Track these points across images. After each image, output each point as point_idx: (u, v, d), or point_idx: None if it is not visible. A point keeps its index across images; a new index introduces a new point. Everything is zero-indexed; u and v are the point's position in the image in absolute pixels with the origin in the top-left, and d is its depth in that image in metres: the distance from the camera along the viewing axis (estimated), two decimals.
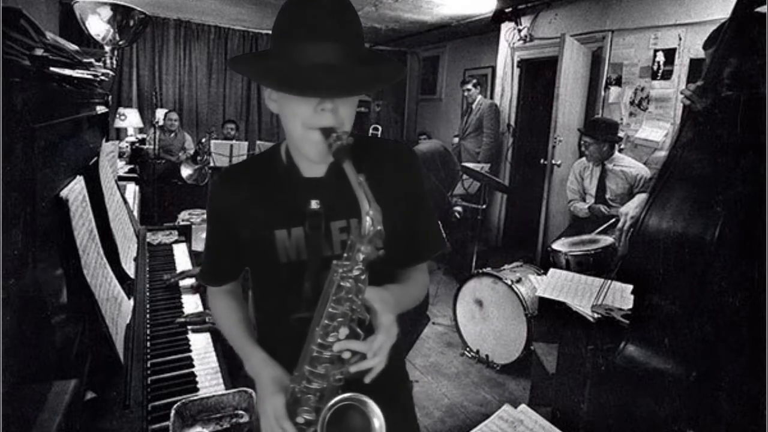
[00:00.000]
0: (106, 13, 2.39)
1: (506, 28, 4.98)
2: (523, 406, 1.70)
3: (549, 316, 2.72)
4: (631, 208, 2.27)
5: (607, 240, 2.61)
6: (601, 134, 3.20)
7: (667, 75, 3.55)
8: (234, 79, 6.99)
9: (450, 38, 6.64)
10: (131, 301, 1.44)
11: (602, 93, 4.03)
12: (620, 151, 3.48)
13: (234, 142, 5.31)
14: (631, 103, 3.81)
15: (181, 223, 2.78)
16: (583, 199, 3.42)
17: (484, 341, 3.11)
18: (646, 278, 1.46)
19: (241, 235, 0.95)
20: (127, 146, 5.42)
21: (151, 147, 5.15)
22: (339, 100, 0.80)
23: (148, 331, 1.43)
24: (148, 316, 1.52)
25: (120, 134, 6.03)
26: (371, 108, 7.52)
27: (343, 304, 0.77)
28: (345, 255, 0.77)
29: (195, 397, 1.11)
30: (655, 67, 3.62)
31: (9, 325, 0.73)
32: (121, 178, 3.18)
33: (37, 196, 0.93)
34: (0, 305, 0.70)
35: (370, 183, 0.74)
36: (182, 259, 2.09)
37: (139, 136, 5.84)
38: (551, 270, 2.34)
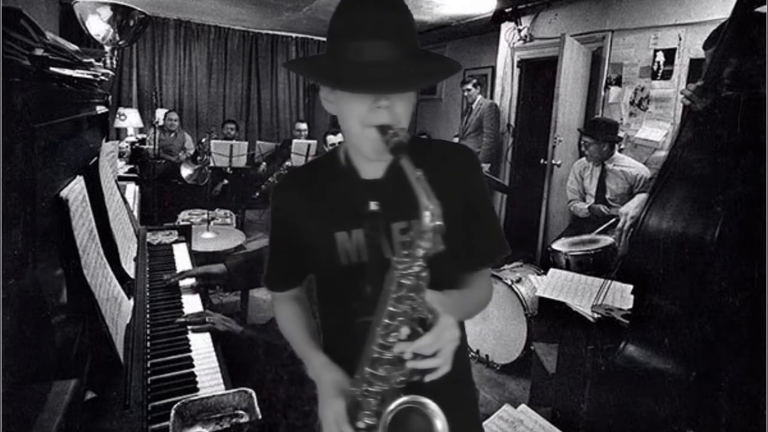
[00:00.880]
0: (106, 13, 2.40)
1: (506, 28, 4.98)
2: (523, 406, 1.70)
3: (549, 316, 2.71)
4: (631, 208, 2.28)
5: (607, 240, 2.61)
6: (601, 134, 3.20)
7: (667, 75, 3.55)
8: (234, 79, 6.99)
9: (450, 38, 6.64)
10: (131, 301, 1.43)
11: (602, 93, 4.03)
12: (620, 151, 3.47)
13: (234, 142, 5.31)
14: (631, 103, 3.81)
15: (181, 223, 2.79)
16: (583, 199, 3.42)
17: (484, 341, 3.11)
18: (646, 278, 1.46)
19: (303, 239, 0.95)
20: (127, 146, 5.42)
21: (151, 147, 5.15)
22: (395, 97, 0.80)
23: (148, 331, 1.43)
24: (148, 316, 1.52)
25: (120, 134, 6.03)
26: None
27: (403, 302, 0.75)
28: (404, 252, 0.75)
29: (195, 397, 1.11)
30: (655, 67, 3.62)
31: (9, 325, 0.73)
32: (121, 178, 3.18)
33: (37, 196, 0.93)
34: (0, 305, 0.70)
35: (428, 181, 0.73)
36: (182, 259, 2.09)
37: (139, 136, 5.84)
38: (551, 270, 2.34)
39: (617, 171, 3.23)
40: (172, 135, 5.74)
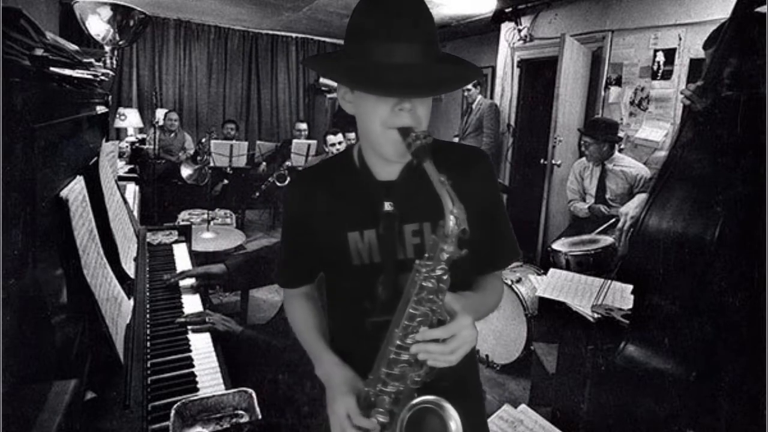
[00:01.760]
0: (106, 13, 2.40)
1: (506, 28, 4.98)
2: (523, 406, 1.70)
3: (549, 316, 2.71)
4: (631, 208, 2.28)
5: (607, 240, 2.61)
6: (601, 134, 3.20)
7: (667, 75, 3.55)
8: (234, 79, 6.99)
9: (450, 38, 6.64)
10: (131, 301, 1.43)
11: (602, 93, 4.03)
12: (620, 151, 3.47)
13: (234, 142, 5.32)
14: (631, 103, 3.81)
15: (181, 223, 2.78)
16: (583, 199, 3.42)
17: (484, 341, 3.11)
18: (646, 278, 1.46)
19: (315, 237, 0.95)
20: (127, 146, 5.42)
21: (151, 147, 5.15)
22: (417, 99, 0.80)
23: (148, 331, 1.43)
24: (148, 316, 1.52)
25: (120, 134, 6.02)
26: None
27: (424, 304, 0.76)
28: (427, 255, 0.76)
29: (195, 397, 1.11)
30: (655, 67, 3.62)
31: (9, 325, 0.73)
32: (121, 178, 3.18)
33: (37, 196, 0.93)
34: (0, 305, 0.70)
35: (450, 185, 0.73)
36: (182, 259, 2.09)
37: (139, 136, 5.84)
38: (551, 270, 2.34)
39: (617, 171, 3.23)
40: (172, 135, 5.74)
